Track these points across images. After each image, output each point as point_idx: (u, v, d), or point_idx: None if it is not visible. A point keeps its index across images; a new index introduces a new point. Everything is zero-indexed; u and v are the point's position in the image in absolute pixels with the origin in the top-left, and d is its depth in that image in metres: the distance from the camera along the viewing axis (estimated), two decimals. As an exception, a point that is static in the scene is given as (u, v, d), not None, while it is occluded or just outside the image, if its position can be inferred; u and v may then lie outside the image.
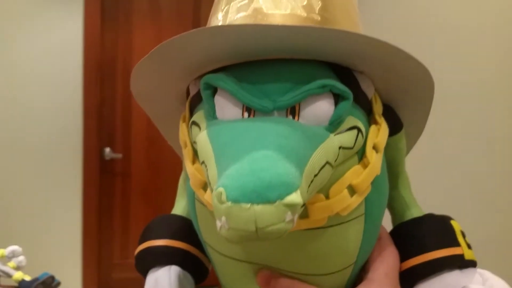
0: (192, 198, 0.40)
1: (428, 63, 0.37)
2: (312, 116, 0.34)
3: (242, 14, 0.37)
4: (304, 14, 0.36)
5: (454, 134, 1.63)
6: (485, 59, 1.59)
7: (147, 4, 2.32)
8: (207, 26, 0.41)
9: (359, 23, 0.41)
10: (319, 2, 0.37)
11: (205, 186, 0.36)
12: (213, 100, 0.36)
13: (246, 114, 0.35)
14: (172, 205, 0.49)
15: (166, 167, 2.35)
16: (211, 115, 0.36)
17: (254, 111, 0.35)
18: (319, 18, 0.36)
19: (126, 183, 2.36)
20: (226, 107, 0.35)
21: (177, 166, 0.54)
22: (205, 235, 0.40)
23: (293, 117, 0.34)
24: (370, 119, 0.39)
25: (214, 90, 0.36)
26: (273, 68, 0.36)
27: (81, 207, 2.23)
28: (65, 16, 2.15)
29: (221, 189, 0.26)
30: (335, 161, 0.33)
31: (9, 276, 1.00)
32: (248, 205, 0.26)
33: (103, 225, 2.32)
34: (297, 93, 0.34)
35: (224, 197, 0.26)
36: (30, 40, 2.12)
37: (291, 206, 0.26)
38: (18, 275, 0.99)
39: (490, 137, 1.59)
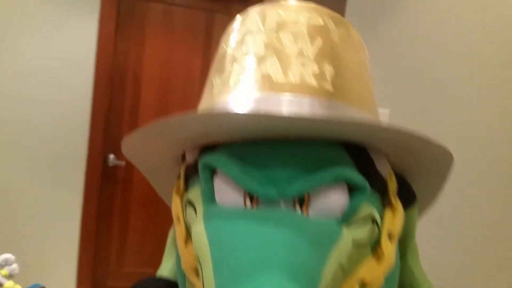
0: (183, 278, 0.37)
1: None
2: (323, 208, 0.31)
3: (249, 79, 0.34)
4: (314, 83, 0.33)
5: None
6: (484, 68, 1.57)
7: (161, 15, 2.33)
8: (208, 81, 0.39)
9: (373, 89, 0.39)
10: (332, 69, 0.34)
11: (197, 271, 0.33)
12: (212, 182, 0.33)
13: (248, 202, 0.32)
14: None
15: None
16: (209, 198, 0.33)
17: (258, 198, 0.31)
18: (331, 88, 0.34)
19: (126, 190, 2.34)
20: (226, 192, 0.32)
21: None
22: None
23: (301, 207, 0.31)
24: (385, 200, 0.36)
25: (213, 170, 0.33)
26: (279, 150, 0.32)
27: (81, 212, 2.21)
28: (80, 24, 2.16)
29: None
30: (348, 259, 0.30)
31: (0, 284, 0.99)
32: None
33: (100, 231, 2.30)
34: (307, 182, 0.30)
35: None
36: (44, 46, 2.12)
37: None
38: (9, 284, 0.98)
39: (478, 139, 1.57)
